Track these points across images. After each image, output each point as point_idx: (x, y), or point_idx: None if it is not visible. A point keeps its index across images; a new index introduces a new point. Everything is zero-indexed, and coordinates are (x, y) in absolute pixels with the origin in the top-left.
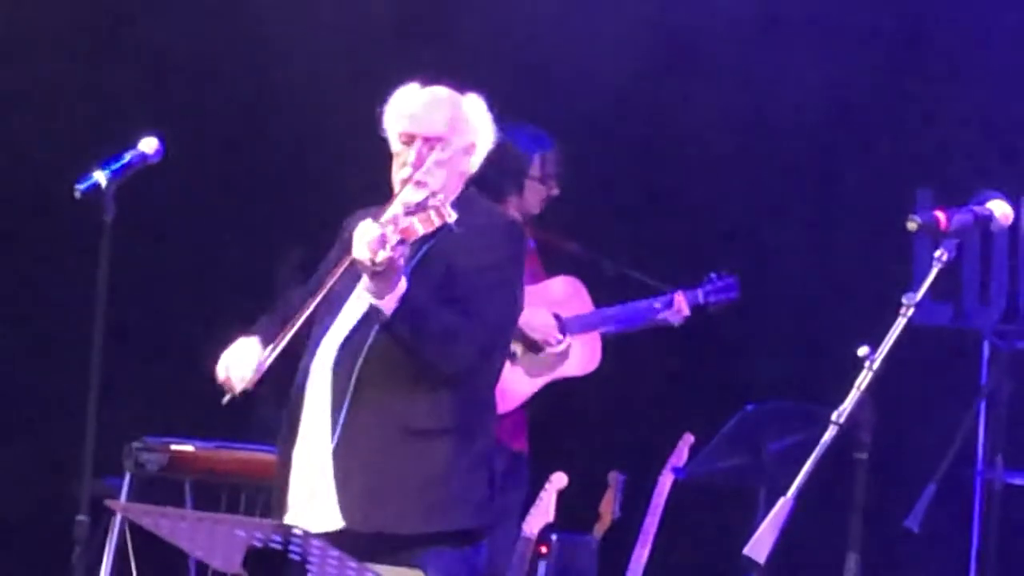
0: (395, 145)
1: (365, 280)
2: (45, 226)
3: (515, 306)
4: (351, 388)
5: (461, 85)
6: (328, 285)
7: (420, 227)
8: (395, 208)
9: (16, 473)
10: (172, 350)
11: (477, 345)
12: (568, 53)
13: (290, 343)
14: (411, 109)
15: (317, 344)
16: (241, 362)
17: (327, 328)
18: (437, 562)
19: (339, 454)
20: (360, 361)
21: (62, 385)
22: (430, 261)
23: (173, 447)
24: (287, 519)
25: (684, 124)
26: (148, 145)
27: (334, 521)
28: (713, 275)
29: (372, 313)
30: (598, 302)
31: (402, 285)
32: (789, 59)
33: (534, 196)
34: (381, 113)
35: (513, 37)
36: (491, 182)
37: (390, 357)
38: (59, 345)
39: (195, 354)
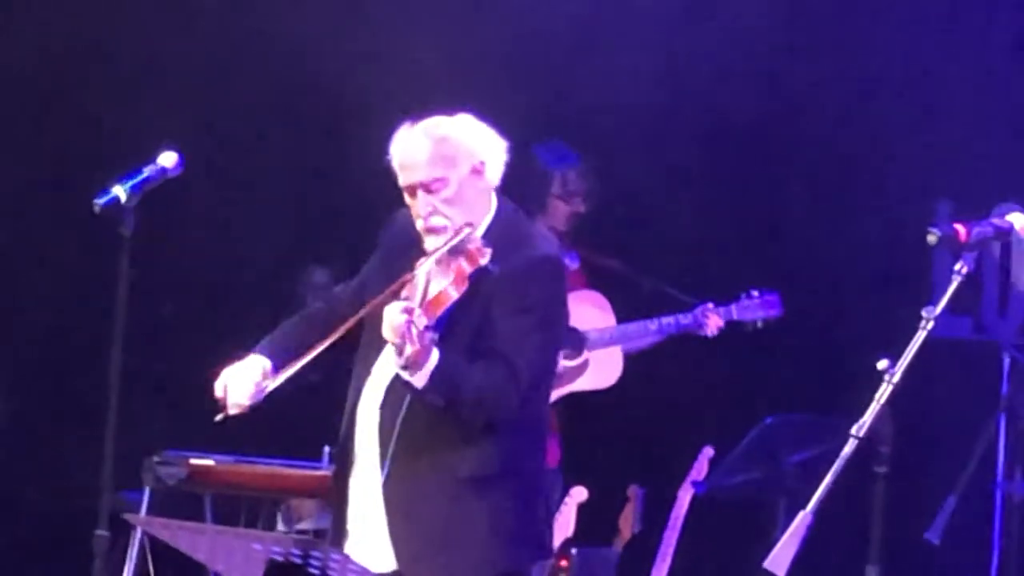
0: (406, 198)
1: (396, 359)
2: (64, 240)
3: (556, 346)
4: (396, 433)
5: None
6: (356, 318)
7: (454, 292)
8: (426, 267)
9: (37, 487)
10: (192, 364)
11: (514, 397)
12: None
13: (327, 350)
14: (402, 159)
15: (368, 369)
16: (240, 384)
17: (377, 356)
18: None
19: (389, 496)
20: (404, 406)
21: (82, 399)
22: (466, 308)
23: (193, 461)
24: (347, 548)
25: (705, 139)
26: (168, 159)
27: (387, 563)
28: (754, 292)
29: (403, 382)
30: (634, 317)
31: (433, 359)
32: (813, 71)
33: (558, 213)
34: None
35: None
36: (514, 201)
37: (431, 410)
38: (78, 359)
39: (216, 368)
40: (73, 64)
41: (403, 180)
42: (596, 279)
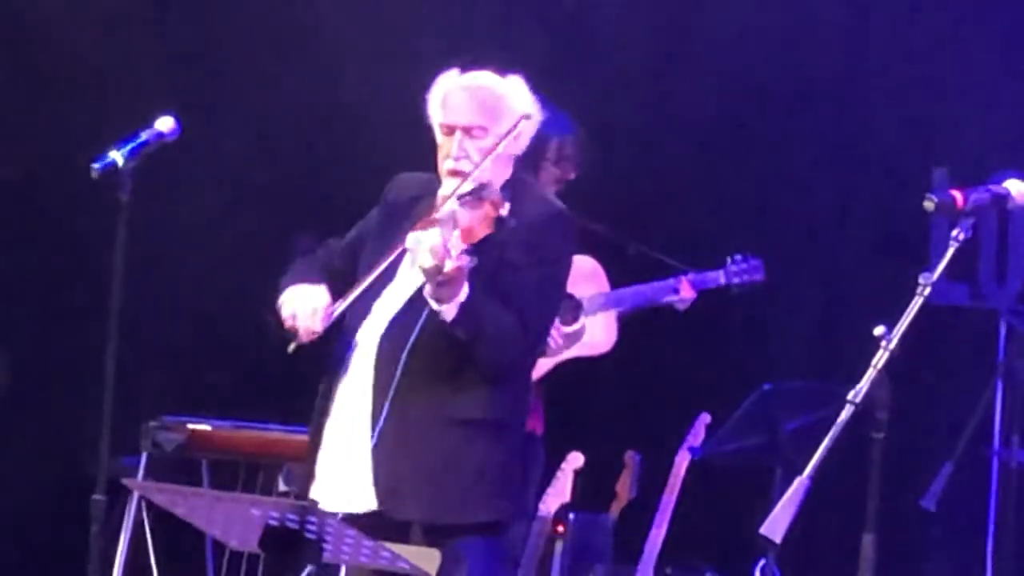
0: (438, 135)
1: (427, 287)
2: (62, 205)
3: (556, 304)
4: (398, 373)
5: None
6: (384, 263)
7: (480, 230)
8: (450, 205)
9: (33, 452)
10: (189, 329)
11: (526, 345)
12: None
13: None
14: (449, 99)
15: (360, 320)
16: (311, 311)
17: (369, 307)
18: (470, 551)
19: (381, 437)
20: (408, 347)
21: (79, 364)
22: (483, 253)
23: (190, 426)
24: (313, 492)
25: (700, 107)
26: (164, 124)
27: (368, 502)
28: (738, 256)
29: (432, 316)
30: (619, 282)
31: (464, 291)
32: (805, 36)
33: (548, 177)
34: (424, 100)
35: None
36: None
37: (437, 347)
38: (76, 324)
39: (212, 333)
40: (71, 28)
41: (444, 118)
42: (581, 245)
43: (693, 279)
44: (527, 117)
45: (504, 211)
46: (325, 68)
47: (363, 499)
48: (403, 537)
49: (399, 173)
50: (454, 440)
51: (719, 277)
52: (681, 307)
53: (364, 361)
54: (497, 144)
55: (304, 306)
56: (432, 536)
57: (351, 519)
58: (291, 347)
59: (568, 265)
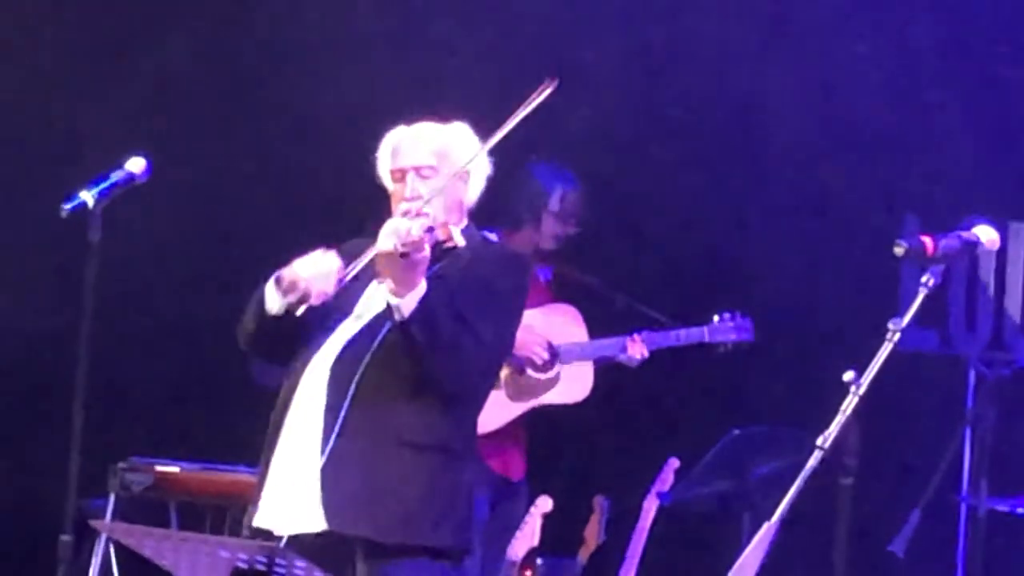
0: (391, 187)
1: (388, 282)
2: (31, 244)
3: (512, 336)
4: (351, 393)
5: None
6: (357, 267)
7: (440, 232)
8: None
9: (1, 492)
10: (158, 371)
11: (478, 364)
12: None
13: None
14: (398, 145)
15: (313, 351)
16: (322, 274)
17: (325, 335)
18: (416, 573)
19: (330, 456)
20: (362, 367)
21: (47, 404)
22: (437, 281)
23: (158, 468)
24: (259, 518)
25: (671, 148)
26: (135, 165)
27: (317, 522)
28: (726, 314)
29: (390, 312)
30: (607, 334)
31: (422, 286)
32: (779, 83)
33: (550, 230)
34: (375, 160)
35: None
36: (511, 211)
37: (391, 368)
38: (44, 364)
39: (180, 375)
40: (43, 66)
41: (394, 164)
42: (567, 295)
43: (646, 337)
44: (478, 164)
45: (459, 241)
46: (294, 97)
47: (311, 519)
48: (349, 558)
49: (368, 204)
50: (403, 461)
51: (703, 334)
52: (632, 365)
53: (315, 389)
54: (448, 185)
55: (318, 268)
56: (376, 558)
57: (298, 540)
58: (299, 311)
59: (522, 302)
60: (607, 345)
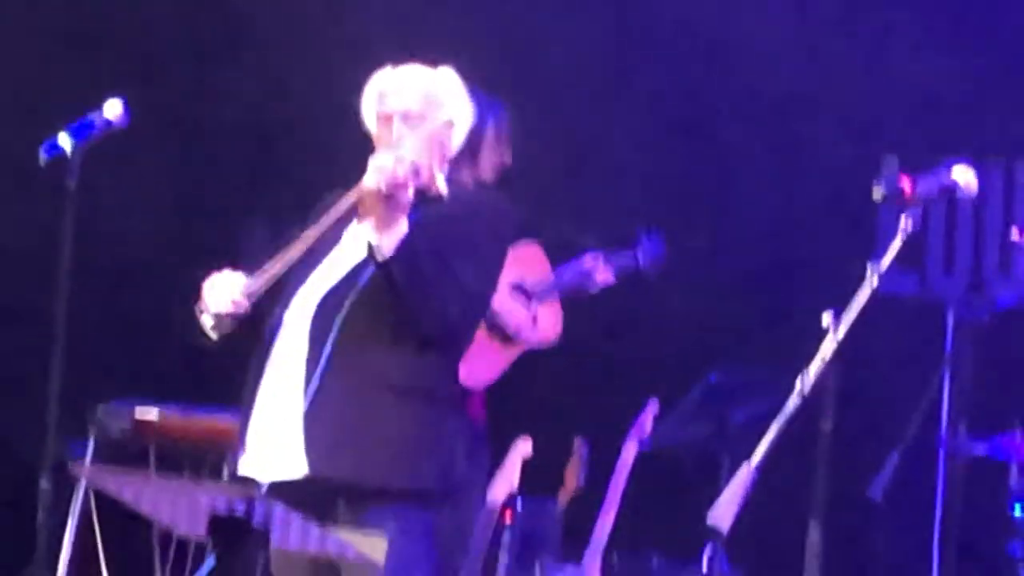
0: (375, 131)
1: (370, 219)
2: (9, 190)
3: (494, 282)
4: (332, 338)
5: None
6: (321, 230)
7: (424, 176)
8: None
9: None
10: (137, 315)
11: (459, 306)
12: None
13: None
14: (384, 89)
15: (292, 295)
16: (225, 294)
17: (303, 281)
18: (398, 517)
19: (313, 402)
20: (344, 312)
21: (27, 349)
22: (419, 226)
23: (137, 412)
24: (243, 466)
25: (644, 86)
26: (113, 110)
27: (299, 468)
28: (642, 233)
29: (371, 252)
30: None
31: (404, 226)
32: (756, 24)
33: (488, 163)
34: (359, 105)
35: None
36: None
37: (374, 311)
38: (23, 309)
39: (161, 319)
40: (18, 13)
41: (381, 107)
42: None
43: (609, 261)
44: (463, 112)
45: (442, 187)
46: (275, 60)
47: (294, 465)
48: (332, 503)
49: (351, 154)
50: (387, 404)
51: (636, 257)
52: (594, 291)
53: (297, 334)
54: (433, 132)
55: (220, 285)
56: (358, 501)
57: (281, 486)
58: (209, 326)
59: (503, 247)
60: (576, 276)
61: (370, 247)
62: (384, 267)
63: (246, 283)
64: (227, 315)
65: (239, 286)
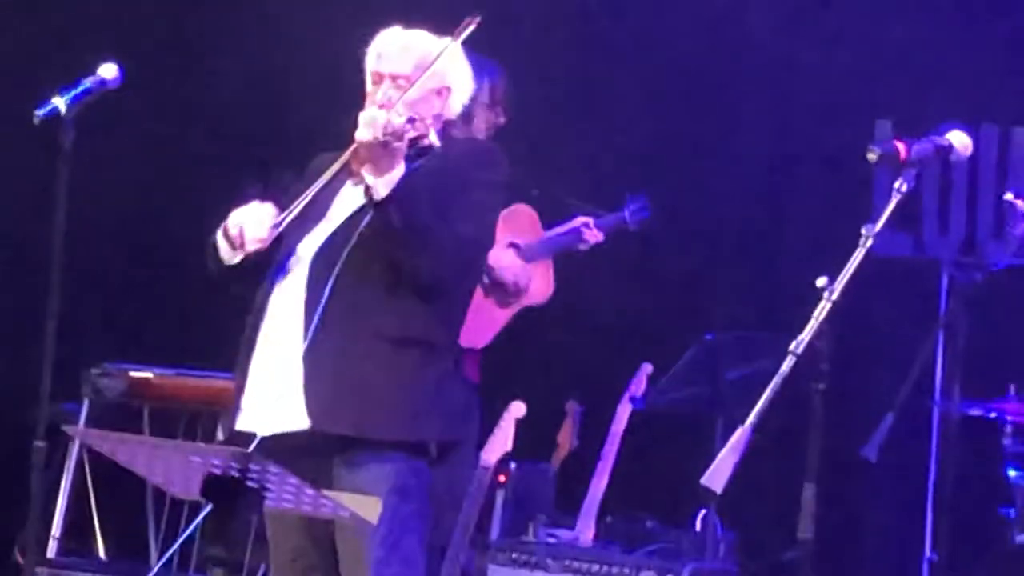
0: (368, 85)
1: (366, 167)
2: (2, 151)
3: (490, 231)
4: (328, 291)
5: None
6: (323, 181)
7: (419, 127)
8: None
9: None
10: (133, 277)
11: (454, 254)
12: None
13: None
14: (382, 48)
15: (291, 251)
16: (258, 220)
17: (300, 237)
18: (395, 471)
19: (311, 354)
20: (340, 264)
21: (21, 311)
22: (413, 175)
23: (131, 373)
24: (241, 420)
25: (635, 49)
26: (107, 71)
27: (300, 421)
28: (629, 195)
29: (367, 193)
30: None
31: (400, 169)
32: None
33: (482, 123)
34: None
35: None
36: None
37: (370, 263)
38: (18, 271)
39: (155, 281)
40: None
41: (374, 66)
42: None
43: (598, 223)
44: (461, 80)
45: (435, 140)
46: (275, 21)
47: (294, 418)
48: (331, 455)
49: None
50: (386, 356)
51: (625, 216)
52: (584, 248)
53: (294, 289)
54: (423, 97)
55: (251, 216)
56: (357, 451)
57: (281, 437)
58: (236, 259)
59: (498, 195)
60: (565, 237)
61: (367, 189)
62: (381, 208)
63: (275, 215)
64: (258, 240)
65: (271, 216)
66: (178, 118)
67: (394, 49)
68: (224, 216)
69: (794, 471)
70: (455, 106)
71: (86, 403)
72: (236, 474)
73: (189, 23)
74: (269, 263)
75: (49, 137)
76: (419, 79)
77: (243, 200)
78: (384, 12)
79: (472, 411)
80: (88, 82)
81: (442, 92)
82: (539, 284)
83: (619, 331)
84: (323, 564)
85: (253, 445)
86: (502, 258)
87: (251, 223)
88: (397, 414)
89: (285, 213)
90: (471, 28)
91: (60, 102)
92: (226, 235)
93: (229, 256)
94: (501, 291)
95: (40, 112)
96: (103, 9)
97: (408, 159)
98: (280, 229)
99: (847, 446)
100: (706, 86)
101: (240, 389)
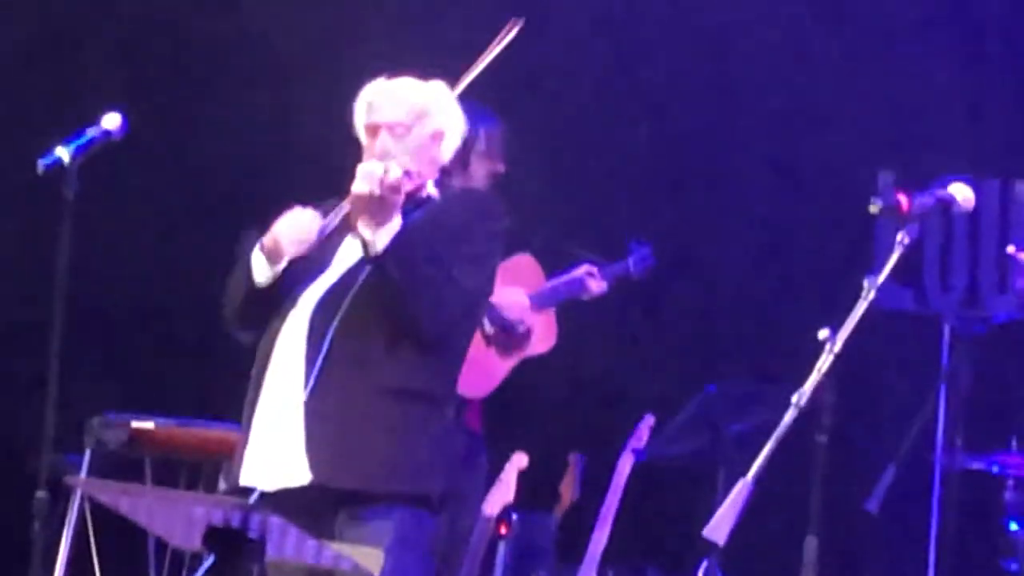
0: (364, 141)
1: (362, 220)
2: (6, 202)
3: (490, 281)
4: (327, 343)
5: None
6: (337, 217)
7: (415, 179)
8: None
9: None
10: (135, 327)
11: (456, 306)
12: None
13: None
14: (372, 100)
15: (293, 303)
16: (301, 226)
17: (302, 290)
18: (398, 523)
19: (311, 408)
20: (339, 316)
21: (23, 361)
22: (411, 228)
23: (133, 424)
24: (245, 474)
25: (640, 99)
26: (111, 121)
27: (302, 476)
28: (633, 243)
29: (365, 249)
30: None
31: (397, 221)
32: (754, 38)
33: (479, 171)
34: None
35: None
36: None
37: (369, 314)
38: (21, 320)
39: (156, 331)
40: (17, 26)
41: (368, 119)
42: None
43: (601, 272)
44: (454, 123)
45: (432, 191)
46: (277, 73)
47: (296, 473)
48: (334, 509)
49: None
50: (386, 409)
51: (628, 266)
52: (587, 298)
53: (295, 341)
54: (421, 144)
55: (296, 221)
56: (357, 505)
57: (284, 493)
58: (271, 273)
59: (497, 245)
60: (568, 286)
61: (364, 244)
62: (379, 263)
63: (320, 222)
64: (304, 242)
65: (317, 222)
66: (183, 168)
67: (384, 98)
68: (228, 268)
69: (796, 523)
70: (449, 150)
71: (88, 453)
72: (237, 524)
73: (194, 74)
74: (282, 301)
75: (53, 187)
76: (417, 124)
77: (244, 247)
78: (396, 59)
79: (476, 460)
80: (92, 132)
81: (437, 136)
82: (541, 334)
83: (621, 383)
84: None
85: (253, 498)
86: (507, 295)
87: (297, 230)
88: (400, 467)
89: (329, 217)
90: (514, 32)
91: (64, 152)
92: (263, 250)
93: (264, 273)
94: (505, 336)
95: (44, 162)
96: (107, 59)
97: (405, 212)
98: (326, 232)
99: (849, 498)
100: (709, 136)
101: (244, 442)
